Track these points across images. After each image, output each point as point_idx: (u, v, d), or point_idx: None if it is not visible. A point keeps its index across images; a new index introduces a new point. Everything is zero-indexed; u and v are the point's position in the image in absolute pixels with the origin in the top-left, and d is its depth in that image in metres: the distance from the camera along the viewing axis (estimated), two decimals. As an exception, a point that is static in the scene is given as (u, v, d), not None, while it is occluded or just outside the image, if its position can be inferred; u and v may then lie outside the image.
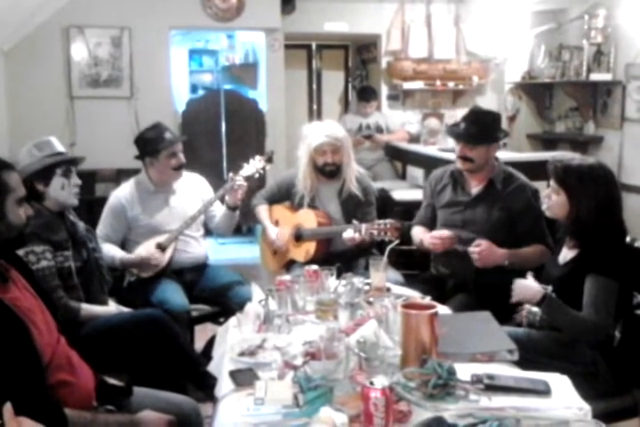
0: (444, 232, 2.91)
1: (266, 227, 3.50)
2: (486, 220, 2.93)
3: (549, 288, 2.30)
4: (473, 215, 2.97)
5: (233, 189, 3.24)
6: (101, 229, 3.22)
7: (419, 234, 3.12)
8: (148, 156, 3.25)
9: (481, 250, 2.72)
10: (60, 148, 2.67)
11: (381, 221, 2.98)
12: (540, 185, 4.08)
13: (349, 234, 3.07)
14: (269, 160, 3.39)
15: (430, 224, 3.13)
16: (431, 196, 3.16)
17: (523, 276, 2.41)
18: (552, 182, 2.39)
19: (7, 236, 1.73)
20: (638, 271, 2.30)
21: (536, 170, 4.22)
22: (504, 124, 6.64)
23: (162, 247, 3.16)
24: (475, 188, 3.01)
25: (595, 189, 2.29)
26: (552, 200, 2.39)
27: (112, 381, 2.01)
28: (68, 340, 1.87)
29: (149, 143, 3.22)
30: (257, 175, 3.36)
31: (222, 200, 3.36)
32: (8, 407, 1.11)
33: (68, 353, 1.83)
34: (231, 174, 3.31)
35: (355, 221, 3.06)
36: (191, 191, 3.39)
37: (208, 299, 3.25)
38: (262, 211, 3.55)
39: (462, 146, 2.93)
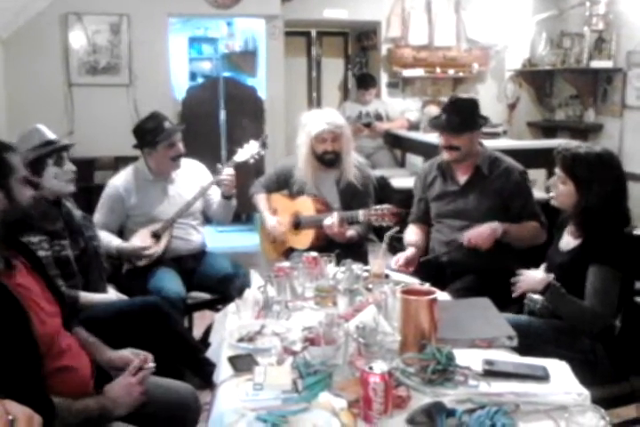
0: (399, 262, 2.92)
1: (264, 216, 3.50)
2: (477, 207, 2.94)
3: (552, 276, 2.29)
4: (464, 204, 2.98)
5: (221, 179, 3.24)
6: (98, 217, 3.21)
7: (411, 238, 3.12)
8: (146, 146, 3.23)
9: (469, 237, 2.77)
10: (49, 135, 2.60)
11: (379, 207, 2.99)
12: (539, 173, 4.09)
13: (329, 221, 3.08)
14: (264, 145, 3.38)
15: (425, 219, 3.15)
16: (422, 189, 3.17)
17: (523, 261, 2.41)
18: (558, 171, 2.35)
19: (14, 216, 1.74)
20: (638, 260, 2.29)
21: (536, 158, 4.23)
22: (504, 112, 6.69)
23: (157, 235, 3.15)
24: (462, 176, 3.02)
25: (603, 178, 2.26)
26: (558, 190, 2.36)
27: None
28: (69, 326, 1.88)
29: (148, 134, 3.20)
30: (252, 160, 3.35)
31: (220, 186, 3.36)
32: None
33: (69, 339, 1.83)
34: (219, 165, 3.30)
35: (335, 213, 3.10)
36: (190, 179, 3.37)
37: (207, 286, 3.25)
38: (261, 200, 3.54)
39: (446, 136, 2.93)
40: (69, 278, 2.54)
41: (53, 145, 2.60)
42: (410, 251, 2.99)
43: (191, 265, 3.31)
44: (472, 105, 3.01)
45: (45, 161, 2.55)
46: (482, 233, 2.79)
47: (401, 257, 2.94)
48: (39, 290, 1.79)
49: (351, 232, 3.20)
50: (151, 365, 1.95)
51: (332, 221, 3.09)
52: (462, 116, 2.91)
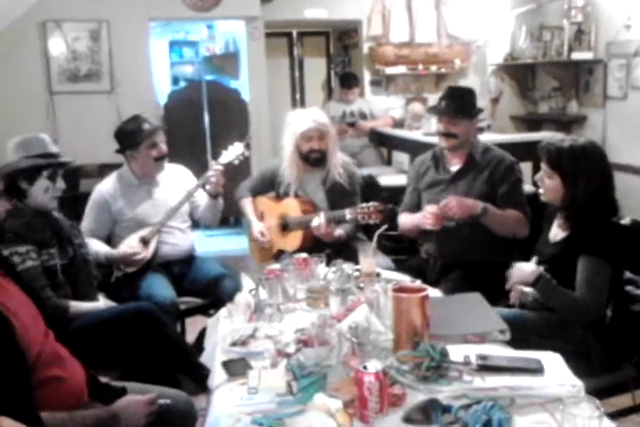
0: (432, 208, 2.89)
1: (250, 222, 3.49)
2: (467, 193, 2.94)
3: (541, 268, 2.30)
4: (455, 191, 2.98)
5: (210, 177, 3.23)
6: (86, 224, 3.20)
7: (407, 220, 3.12)
8: (128, 148, 3.22)
9: (449, 201, 2.78)
10: (52, 148, 2.57)
11: (364, 205, 2.99)
12: (525, 166, 4.09)
13: (315, 222, 3.08)
14: (247, 146, 3.37)
15: (417, 210, 3.13)
16: (415, 179, 3.18)
17: (512, 255, 2.42)
18: (544, 166, 2.36)
19: None
20: (627, 249, 2.30)
21: (521, 151, 4.23)
22: (487, 107, 6.71)
23: (145, 241, 3.14)
24: (455, 165, 3.06)
25: (589, 170, 2.27)
26: (545, 184, 2.37)
27: (105, 379, 2.00)
28: (56, 335, 1.85)
29: (129, 136, 3.19)
30: (237, 162, 3.34)
31: (205, 189, 3.35)
32: None
33: (58, 348, 1.81)
34: (213, 162, 3.30)
35: (322, 213, 3.09)
36: (175, 183, 3.36)
37: (197, 291, 3.24)
38: (247, 204, 3.53)
39: (446, 122, 2.98)
40: (58, 288, 2.52)
41: (54, 159, 2.56)
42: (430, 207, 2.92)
43: (180, 270, 3.29)
44: (469, 93, 3.09)
45: (41, 172, 2.53)
46: (464, 202, 2.80)
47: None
48: (20, 296, 1.77)
49: (339, 231, 3.19)
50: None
51: (318, 221, 3.09)
52: (460, 103, 2.99)
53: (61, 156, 2.62)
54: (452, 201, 2.79)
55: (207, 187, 3.30)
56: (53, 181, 2.56)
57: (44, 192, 2.53)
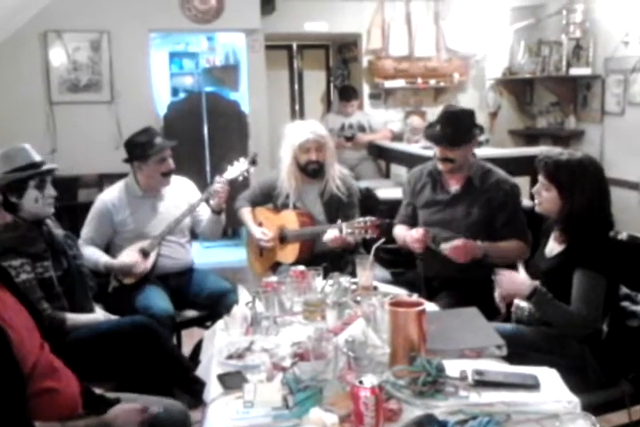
0: (419, 231, 2.88)
1: (250, 228, 3.49)
2: (465, 218, 2.92)
3: (537, 282, 2.30)
4: (453, 214, 2.96)
5: (215, 191, 3.24)
6: (86, 232, 3.20)
7: (402, 233, 3.12)
8: (136, 160, 3.23)
9: (455, 247, 2.74)
10: (34, 157, 2.54)
11: (361, 219, 2.97)
12: (523, 180, 4.11)
13: (331, 235, 3.05)
14: (253, 162, 3.38)
15: (412, 222, 3.12)
16: (411, 195, 3.15)
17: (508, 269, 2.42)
18: (541, 179, 2.37)
19: None
20: (623, 264, 2.31)
21: (519, 165, 4.25)
22: (486, 121, 6.74)
23: (145, 253, 3.14)
24: (454, 186, 3.01)
25: (586, 184, 2.28)
26: (542, 197, 2.38)
27: (99, 391, 2.00)
28: (52, 347, 1.85)
29: (139, 148, 3.20)
30: (241, 178, 3.35)
31: (208, 203, 3.35)
32: None
33: (52, 360, 1.81)
34: (218, 177, 3.30)
35: (339, 221, 3.06)
36: (179, 196, 3.37)
37: (195, 304, 3.24)
38: (246, 213, 3.53)
39: (442, 149, 2.92)
40: (54, 300, 2.51)
41: (37, 168, 2.54)
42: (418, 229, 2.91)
43: (179, 283, 3.29)
44: (466, 116, 2.98)
45: (27, 183, 2.50)
46: (468, 249, 2.75)
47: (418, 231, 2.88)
48: (15, 307, 1.77)
49: (350, 238, 3.11)
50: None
51: (334, 234, 3.04)
52: (457, 129, 2.88)
53: (45, 163, 2.60)
54: (457, 247, 2.74)
55: (211, 202, 3.30)
56: (41, 189, 2.54)
57: (34, 202, 2.51)
